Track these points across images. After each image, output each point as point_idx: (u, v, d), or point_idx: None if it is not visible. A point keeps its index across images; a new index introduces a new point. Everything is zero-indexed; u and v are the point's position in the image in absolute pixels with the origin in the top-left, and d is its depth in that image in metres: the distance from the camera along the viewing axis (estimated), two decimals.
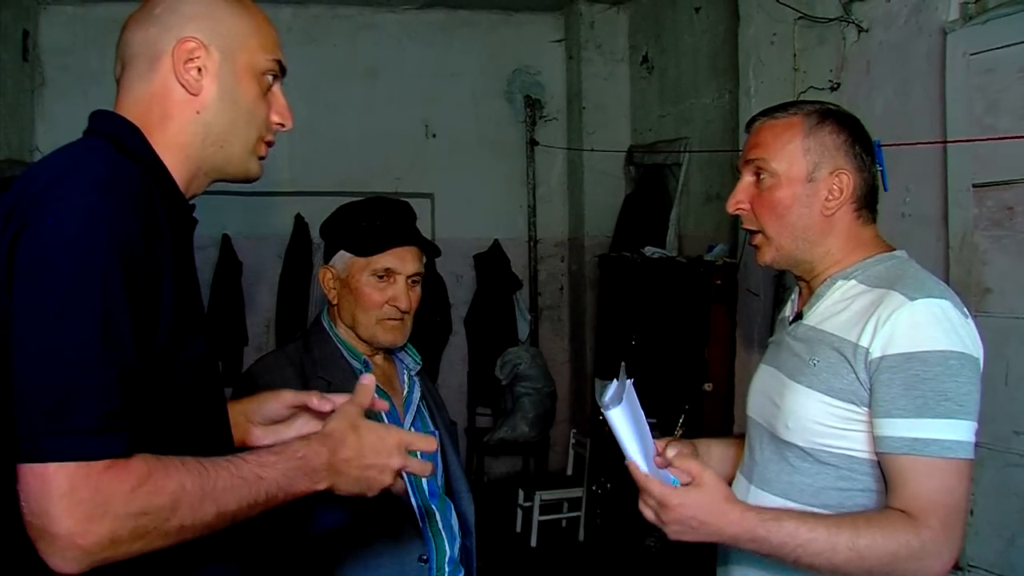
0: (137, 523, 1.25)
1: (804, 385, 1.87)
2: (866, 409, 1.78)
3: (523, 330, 7.70)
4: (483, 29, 7.65)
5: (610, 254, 6.75)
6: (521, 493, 6.74)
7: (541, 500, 6.52)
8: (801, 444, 1.87)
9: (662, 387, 5.67)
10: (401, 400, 2.45)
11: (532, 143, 7.71)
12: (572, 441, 7.06)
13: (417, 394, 2.49)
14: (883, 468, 1.77)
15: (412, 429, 2.42)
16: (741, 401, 4.79)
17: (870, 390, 1.77)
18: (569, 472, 7.01)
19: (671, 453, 1.88)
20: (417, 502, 2.34)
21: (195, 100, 1.53)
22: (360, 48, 7.41)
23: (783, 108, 1.99)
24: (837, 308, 1.89)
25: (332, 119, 7.22)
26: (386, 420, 2.35)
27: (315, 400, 1.79)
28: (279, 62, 1.64)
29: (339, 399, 1.74)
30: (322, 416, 1.76)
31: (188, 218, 1.57)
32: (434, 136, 7.59)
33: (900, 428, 1.72)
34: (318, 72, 7.18)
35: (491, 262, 7.66)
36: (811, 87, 4.16)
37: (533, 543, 6.49)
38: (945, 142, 3.31)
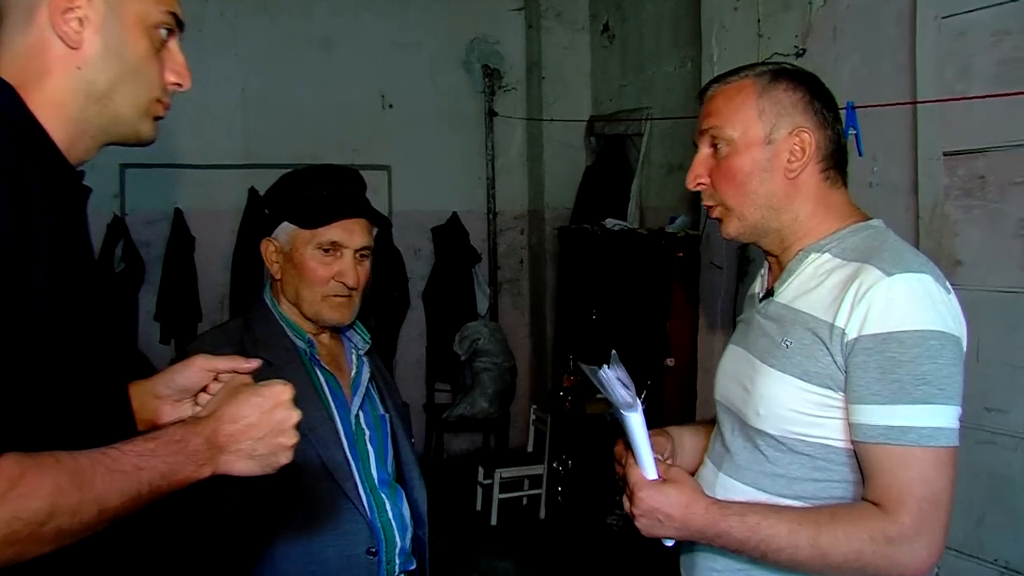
0: (9, 530, 1.11)
1: (776, 369, 1.74)
2: (842, 395, 1.67)
3: (482, 304, 7.60)
4: None
5: (570, 226, 6.64)
6: (481, 471, 6.64)
7: (501, 478, 6.42)
8: (773, 432, 1.75)
9: (623, 362, 5.57)
10: (349, 381, 2.32)
11: (491, 114, 7.57)
12: (533, 417, 6.96)
13: (366, 375, 2.36)
14: (859, 457, 1.66)
15: (360, 412, 2.29)
16: (704, 377, 4.71)
17: (846, 374, 1.65)
18: (530, 449, 6.91)
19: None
20: (365, 491, 2.21)
21: (75, 54, 1.37)
22: (315, 17, 7.22)
23: (734, 72, 1.86)
24: (810, 284, 1.76)
25: (286, 90, 7.08)
26: (332, 402, 2.23)
27: (238, 362, 1.59)
28: (175, 15, 1.47)
29: (255, 363, 1.57)
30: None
31: (77, 186, 1.42)
32: (391, 107, 7.42)
33: (875, 415, 1.61)
34: (271, 42, 7.06)
35: (449, 235, 7.53)
36: (776, 53, 4.04)
37: (493, 521, 6.40)
38: (915, 103, 3.19)
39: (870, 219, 1.82)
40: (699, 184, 1.86)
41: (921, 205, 3.23)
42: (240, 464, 1.39)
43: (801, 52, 3.89)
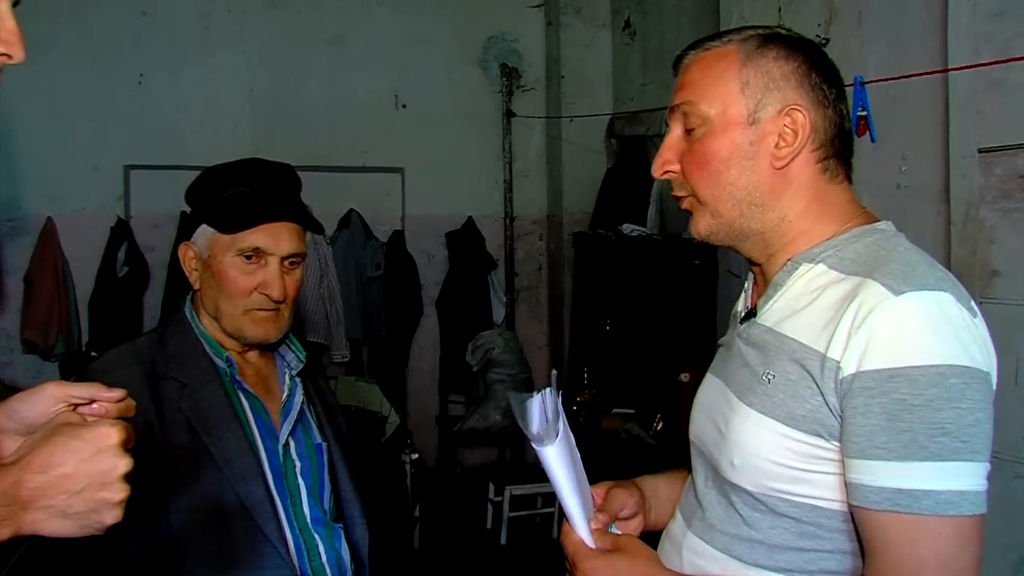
0: None
1: (755, 409, 1.41)
2: (837, 444, 1.33)
3: (498, 313, 7.30)
4: None
5: (586, 232, 6.33)
6: (492, 487, 6.33)
7: (512, 495, 6.10)
8: (751, 488, 1.42)
9: (637, 376, 5.27)
10: (279, 405, 2.02)
11: (508, 114, 7.27)
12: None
13: (299, 398, 2.05)
14: (858, 526, 1.31)
15: (291, 441, 2.00)
16: None
17: (841, 419, 1.31)
18: None
19: (595, 525, 1.53)
20: (292, 531, 1.91)
21: None
22: (326, 13, 6.94)
23: (715, 37, 1.53)
24: (799, 303, 1.43)
25: (296, 88, 6.82)
26: (255, 429, 1.94)
27: (97, 389, 1.23)
28: None
29: (124, 393, 1.23)
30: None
31: None
32: (404, 107, 7.14)
33: (880, 474, 1.26)
34: (281, 38, 6.80)
35: (465, 240, 7.23)
36: None
37: (503, 540, 6.08)
38: (946, 70, 2.84)
39: (877, 221, 1.48)
40: (667, 172, 1.53)
41: (953, 209, 2.88)
42: (52, 524, 1.10)
43: (825, 41, 3.57)
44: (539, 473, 5.25)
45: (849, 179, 1.50)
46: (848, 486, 1.30)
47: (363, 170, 6.93)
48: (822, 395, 1.32)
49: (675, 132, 1.53)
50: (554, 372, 1.66)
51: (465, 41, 7.24)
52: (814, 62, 1.47)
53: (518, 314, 7.50)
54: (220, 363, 1.96)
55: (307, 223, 2.04)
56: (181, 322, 2.02)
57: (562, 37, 7.05)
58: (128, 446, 1.14)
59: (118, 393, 1.20)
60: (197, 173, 2.08)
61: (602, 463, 5.61)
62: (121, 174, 6.53)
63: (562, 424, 1.43)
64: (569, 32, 7.04)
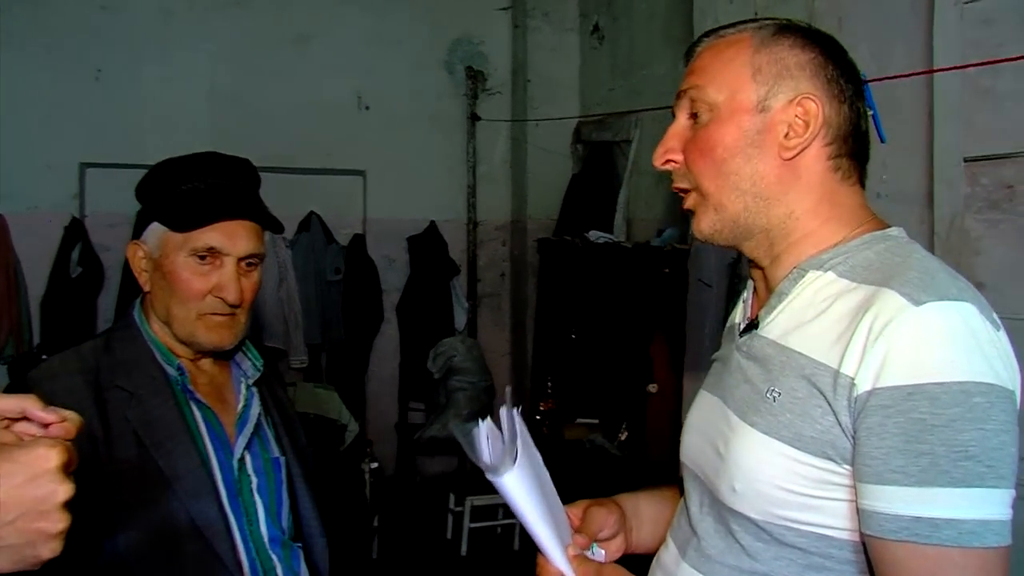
0: None
1: (759, 430, 1.30)
2: (848, 468, 1.22)
3: (460, 319, 7.18)
4: None
5: (550, 238, 6.22)
6: (452, 497, 6.20)
7: (472, 505, 5.97)
8: (753, 516, 1.30)
9: (603, 387, 5.16)
10: (234, 417, 1.89)
11: (473, 118, 7.16)
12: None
13: (256, 409, 1.91)
14: (871, 557, 1.20)
15: (247, 455, 1.86)
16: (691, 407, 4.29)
17: (854, 440, 1.20)
18: None
19: (573, 551, 1.42)
20: (248, 552, 1.78)
21: None
22: (290, 12, 6.80)
23: (731, 26, 1.44)
24: (808, 314, 1.32)
25: (258, 89, 6.66)
26: (209, 443, 1.80)
27: (29, 403, 1.08)
28: None
29: (65, 412, 1.08)
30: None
31: None
32: (368, 109, 7.01)
33: (896, 501, 1.15)
34: (244, 38, 6.65)
35: (427, 245, 7.10)
36: None
37: (464, 551, 5.95)
38: (931, 71, 2.76)
39: (888, 227, 1.38)
40: (668, 161, 1.44)
41: (937, 218, 2.79)
42: None
43: None
44: None
45: (862, 183, 1.40)
46: (861, 513, 1.19)
47: (325, 172, 6.79)
48: (834, 414, 1.21)
49: (680, 119, 1.44)
50: (508, 388, 1.60)
51: (430, 43, 7.12)
52: (831, 55, 1.38)
53: (480, 321, 7.38)
54: (171, 371, 1.82)
55: (266, 222, 1.90)
56: (129, 327, 1.87)
57: (529, 40, 6.95)
58: (70, 469, 1.01)
59: (52, 417, 1.06)
60: None
61: (565, 474, 5.51)
62: (76, 172, 6.36)
63: (521, 444, 1.33)
64: (536, 35, 6.95)
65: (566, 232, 6.22)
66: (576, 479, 5.31)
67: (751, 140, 1.35)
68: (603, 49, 6.53)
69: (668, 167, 1.44)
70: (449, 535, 6.19)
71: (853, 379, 1.19)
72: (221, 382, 1.92)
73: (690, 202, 1.43)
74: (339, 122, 6.89)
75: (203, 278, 1.80)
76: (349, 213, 6.98)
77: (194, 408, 1.82)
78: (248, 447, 1.87)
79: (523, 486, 1.32)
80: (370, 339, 7.05)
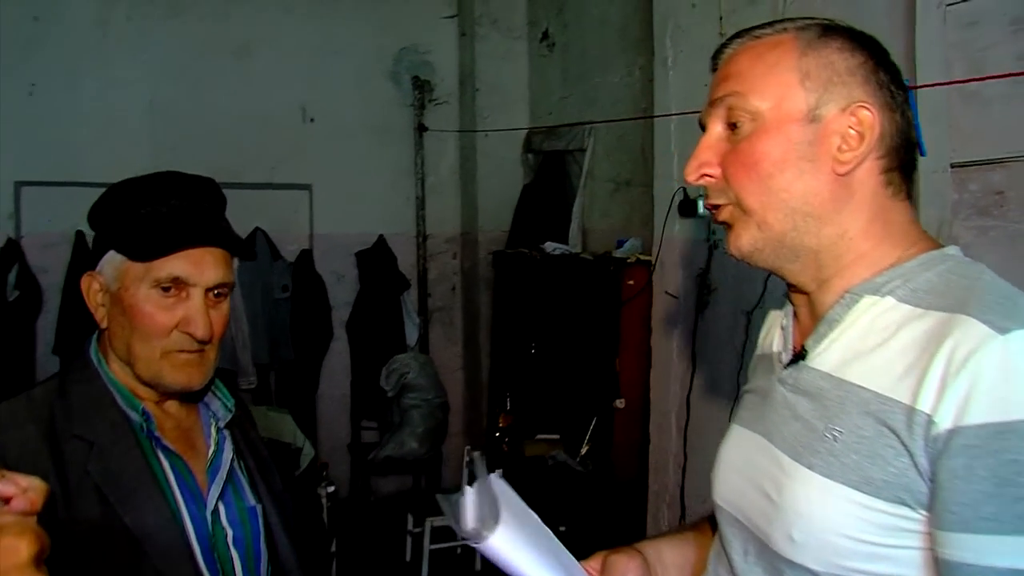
0: None
1: (819, 473, 1.17)
2: (925, 514, 1.09)
3: (411, 335, 7.00)
4: (368, 3, 6.91)
5: (506, 250, 6.09)
6: (411, 518, 6.03)
7: (433, 526, 5.80)
8: (815, 568, 1.17)
9: (567, 403, 5.03)
10: (205, 464, 1.72)
11: (421, 128, 7.00)
12: (466, 459, 6.36)
13: (228, 454, 1.74)
14: None
15: (220, 506, 1.69)
16: (660, 422, 4.18)
17: (932, 483, 1.08)
18: None
19: None
20: None
21: None
22: (231, 23, 6.59)
23: (767, 25, 1.31)
24: (867, 343, 1.19)
25: (199, 101, 6.44)
26: (179, 495, 1.63)
27: None
28: None
29: (25, 480, 0.92)
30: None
31: None
32: (312, 120, 6.82)
33: (988, 552, 1.02)
34: (184, 48, 6.43)
35: (376, 260, 6.93)
36: None
37: (424, 574, 5.78)
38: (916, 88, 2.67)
39: (941, 245, 1.27)
40: (704, 176, 1.31)
41: (924, 227, 2.69)
42: None
43: None
44: None
45: (911, 197, 1.28)
46: (942, 564, 1.07)
47: (270, 187, 6.59)
48: (909, 455, 1.09)
49: (715, 130, 1.31)
50: (477, 454, 1.51)
51: (376, 53, 6.96)
52: (879, 60, 1.26)
53: (432, 336, 7.23)
54: (134, 416, 1.64)
55: (235, 248, 1.74)
56: (85, 368, 1.68)
57: (477, 49, 6.81)
58: (42, 558, 0.85)
59: (13, 485, 0.90)
60: (94, 190, 1.76)
61: (528, 492, 5.38)
62: (11, 191, 6.09)
63: (506, 506, 1.25)
64: (484, 44, 6.80)
65: (518, 243, 6.08)
66: (539, 497, 5.18)
67: (802, 153, 1.23)
68: (554, 57, 6.41)
69: (704, 182, 1.31)
70: (408, 557, 6.01)
71: (931, 416, 1.07)
72: (189, 426, 1.74)
73: (726, 215, 1.31)
74: (283, 135, 6.70)
75: (168, 312, 1.63)
76: (295, 228, 6.78)
77: (161, 457, 1.64)
78: (221, 497, 1.69)
79: (513, 547, 1.24)
80: (320, 357, 6.87)
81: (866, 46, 1.26)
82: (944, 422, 1.05)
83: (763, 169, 1.24)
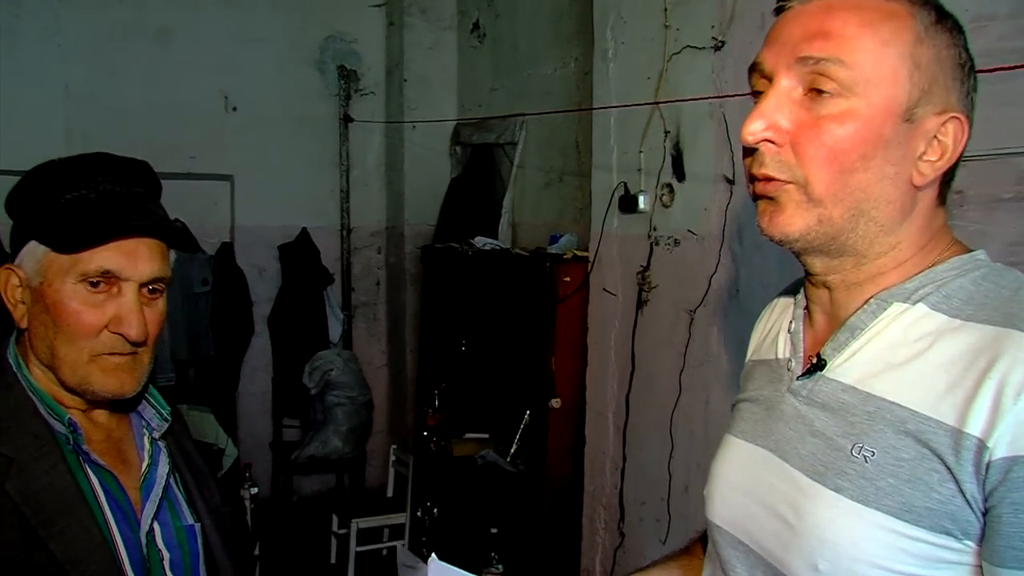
0: None
1: (848, 496, 1.06)
2: (971, 545, 0.99)
3: (335, 331, 6.83)
4: None
5: (435, 245, 5.93)
6: (336, 519, 5.86)
7: (359, 528, 5.65)
8: None
9: (498, 402, 4.91)
10: (138, 480, 1.55)
11: (346, 119, 6.82)
12: (393, 459, 6.22)
13: (164, 468, 1.58)
14: None
15: (156, 525, 1.54)
16: (596, 420, 4.08)
17: (985, 514, 0.98)
18: (390, 493, 6.17)
19: None
20: None
21: None
22: (151, 5, 6.32)
23: None
24: (899, 355, 1.09)
25: (115, 86, 6.18)
26: (110, 515, 1.48)
27: None
28: None
29: None
30: None
31: None
32: (235, 110, 6.60)
33: None
34: (99, 32, 6.16)
35: (298, 253, 6.73)
36: (687, 46, 3.44)
37: None
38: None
39: (971, 249, 1.17)
40: (766, 141, 1.13)
41: None
42: None
43: (720, 45, 3.30)
44: (384, 503, 4.79)
45: (947, 199, 1.18)
46: None
47: (189, 177, 6.35)
48: (956, 482, 0.99)
49: (785, 87, 1.13)
50: (400, 544, 1.39)
51: (300, 40, 6.74)
52: (972, 62, 1.13)
53: (355, 332, 7.05)
54: (59, 428, 1.47)
55: (173, 239, 1.57)
56: (2, 374, 1.50)
57: (405, 38, 6.63)
58: None
59: None
60: (5, 179, 1.58)
61: (458, 492, 5.29)
62: None
63: None
64: (412, 33, 6.63)
65: (446, 238, 5.94)
66: (470, 497, 5.08)
67: (889, 154, 1.09)
68: (484, 48, 6.28)
69: (762, 148, 1.14)
70: (334, 559, 5.86)
71: (984, 442, 0.96)
72: (120, 437, 1.57)
73: (781, 191, 1.14)
74: (204, 124, 6.46)
75: (96, 310, 1.46)
76: (216, 220, 6.55)
77: (90, 472, 1.48)
78: (157, 515, 1.54)
79: None
80: (241, 353, 6.65)
81: (964, 41, 1.14)
82: (1001, 449, 0.96)
83: (848, 160, 1.09)
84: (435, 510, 5.37)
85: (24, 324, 1.51)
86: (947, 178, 1.16)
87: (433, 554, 1.30)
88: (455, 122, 6.57)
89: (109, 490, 1.49)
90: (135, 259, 1.48)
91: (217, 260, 6.45)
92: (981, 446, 0.97)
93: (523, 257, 4.81)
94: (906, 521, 1.02)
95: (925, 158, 1.10)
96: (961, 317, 1.06)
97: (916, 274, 1.13)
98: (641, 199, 3.73)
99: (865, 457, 1.06)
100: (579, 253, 4.38)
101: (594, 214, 4.08)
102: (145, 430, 1.61)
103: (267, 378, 6.79)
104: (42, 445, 1.44)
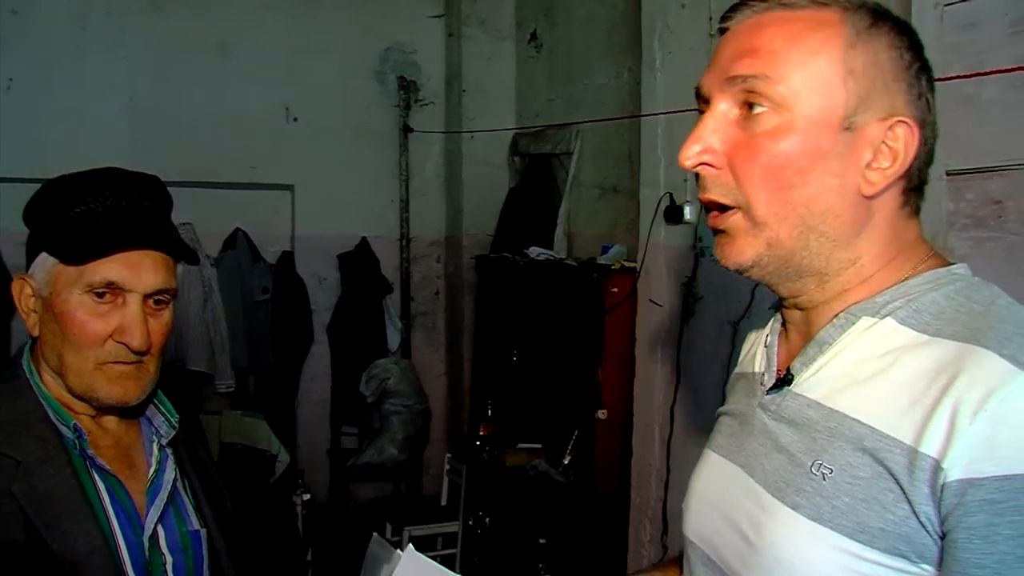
0: None
1: (804, 515, 1.04)
2: (929, 569, 0.97)
3: (393, 339, 6.88)
4: (353, 2, 6.76)
5: (489, 255, 5.96)
6: (389, 527, 5.90)
7: (411, 536, 5.68)
8: None
9: (549, 412, 4.91)
10: (144, 486, 1.59)
11: (406, 130, 6.87)
12: (447, 467, 6.24)
13: (170, 474, 1.62)
14: None
15: (160, 529, 1.57)
16: (642, 434, 4.07)
17: (942, 537, 0.95)
18: (443, 502, 6.19)
19: None
20: None
21: None
22: (212, 19, 6.44)
23: None
24: (864, 371, 1.06)
25: (179, 99, 6.29)
26: (114, 518, 1.51)
27: None
28: None
29: None
30: None
31: None
32: (295, 120, 6.68)
33: None
34: (163, 45, 6.27)
35: (358, 262, 6.79)
36: None
37: None
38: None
39: (950, 263, 1.13)
40: (703, 160, 1.13)
41: None
42: None
43: None
44: (437, 512, 4.78)
45: (919, 210, 1.16)
46: None
47: (251, 187, 6.46)
48: (909, 503, 0.96)
49: (724, 108, 1.12)
50: (375, 535, 1.38)
51: (361, 52, 6.81)
52: (924, 61, 1.10)
53: (414, 341, 7.09)
54: (66, 433, 1.52)
55: (177, 252, 1.61)
56: (16, 380, 1.55)
57: (463, 49, 6.67)
58: None
59: None
60: None
61: (509, 500, 5.29)
62: None
63: None
64: (471, 44, 6.67)
65: (503, 248, 5.96)
66: (520, 507, 5.08)
67: (830, 165, 1.07)
68: (541, 58, 6.29)
69: (701, 171, 1.13)
70: None
71: (939, 462, 0.94)
72: (128, 443, 1.61)
73: (730, 222, 1.13)
74: (265, 134, 6.55)
75: (101, 320, 1.51)
76: (277, 229, 6.65)
77: (96, 477, 1.52)
78: (161, 520, 1.57)
79: None
80: (300, 361, 6.73)
81: (913, 45, 1.10)
82: (956, 471, 0.93)
83: (785, 176, 1.07)
84: (486, 519, 5.38)
85: (36, 332, 1.56)
86: (911, 186, 1.12)
87: (410, 544, 1.31)
88: (513, 132, 6.58)
89: (114, 494, 1.53)
90: (139, 271, 1.52)
91: (277, 269, 6.53)
92: (936, 467, 0.94)
93: (572, 267, 4.81)
94: (860, 542, 1.00)
95: (874, 166, 1.08)
96: (929, 332, 1.04)
97: (886, 288, 1.10)
98: (686, 210, 3.71)
99: (823, 474, 1.04)
100: (627, 264, 4.37)
101: (641, 225, 4.06)
102: (154, 437, 1.65)
103: (326, 386, 6.85)
104: (49, 449, 1.48)
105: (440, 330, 7.15)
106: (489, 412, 5.45)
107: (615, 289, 4.34)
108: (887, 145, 1.07)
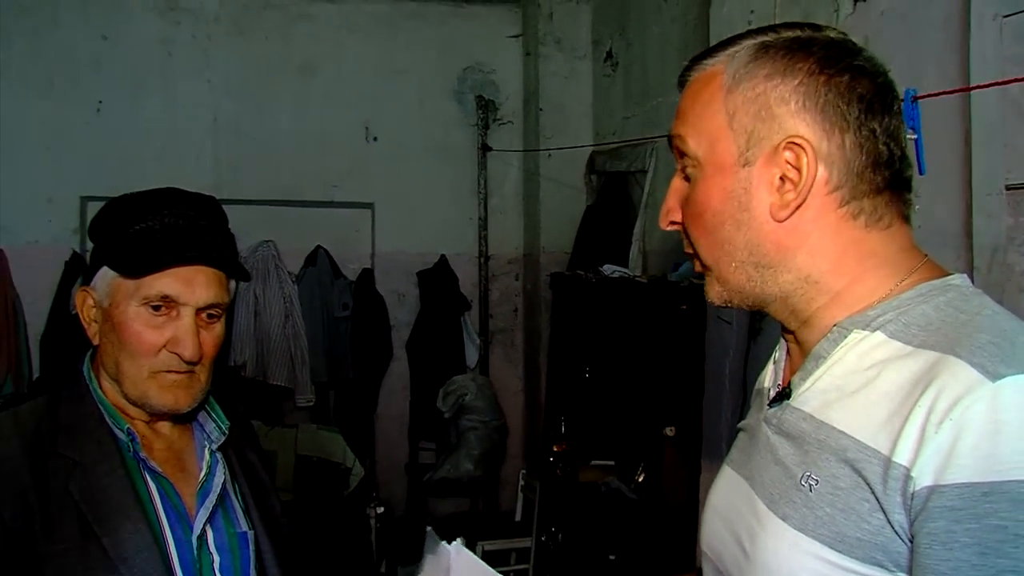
0: None
1: (791, 525, 1.07)
2: None
3: (471, 356, 6.95)
4: (431, 22, 6.88)
5: (564, 272, 6.00)
6: (461, 541, 5.94)
7: (484, 551, 5.73)
8: None
9: (621, 429, 4.93)
10: (195, 488, 1.67)
11: (484, 148, 6.95)
12: (521, 483, 6.28)
13: (220, 478, 1.69)
14: None
15: (208, 530, 1.64)
16: (710, 451, 4.07)
17: (912, 544, 0.97)
18: (518, 517, 6.23)
19: None
20: None
21: None
22: (294, 41, 6.63)
23: (714, 50, 1.19)
24: (852, 383, 1.08)
25: (262, 119, 6.49)
26: (164, 517, 1.59)
27: None
28: None
29: None
30: None
31: None
32: (375, 140, 6.81)
33: None
34: (247, 67, 6.49)
35: (437, 280, 6.89)
36: None
37: None
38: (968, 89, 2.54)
39: (947, 274, 1.14)
40: (671, 224, 1.24)
41: (976, 253, 2.55)
42: None
43: None
44: (511, 527, 4.82)
45: (904, 219, 1.17)
46: None
47: (331, 205, 6.61)
48: (883, 512, 0.99)
49: (677, 178, 1.23)
50: (430, 529, 1.37)
51: (439, 72, 6.91)
52: (832, 67, 1.11)
53: (492, 358, 7.15)
54: (121, 436, 1.61)
55: (230, 268, 1.69)
56: (77, 385, 1.66)
57: (541, 68, 6.74)
58: None
59: None
60: None
61: (582, 516, 5.31)
62: (77, 205, 6.20)
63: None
64: (548, 63, 6.73)
65: (580, 265, 5.99)
66: (592, 523, 5.10)
67: (738, 203, 1.13)
68: (617, 76, 6.33)
69: (674, 228, 1.24)
70: None
71: (909, 471, 0.96)
72: (181, 447, 1.70)
73: (697, 267, 1.23)
74: (346, 153, 6.70)
75: (156, 331, 1.60)
76: (357, 247, 6.79)
77: (148, 478, 1.61)
78: (211, 521, 1.65)
79: None
80: (379, 377, 6.83)
81: (813, 54, 1.12)
82: (923, 479, 0.95)
83: (707, 221, 1.16)
84: (559, 535, 5.41)
85: (96, 341, 1.67)
86: (855, 196, 1.13)
87: (459, 538, 1.38)
88: (589, 149, 6.62)
89: (165, 495, 1.62)
90: (192, 286, 1.61)
91: (358, 286, 6.65)
92: (907, 475, 0.96)
93: (642, 284, 4.83)
94: (839, 551, 1.02)
95: (780, 190, 1.12)
96: (914, 344, 1.05)
97: (877, 302, 1.11)
98: None
99: (810, 486, 1.06)
100: (696, 281, 4.37)
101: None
102: (206, 442, 1.73)
103: (405, 401, 6.94)
104: (105, 451, 1.58)
105: (518, 347, 7.20)
106: (562, 429, 5.48)
107: (684, 306, 4.35)
108: (792, 166, 1.11)
